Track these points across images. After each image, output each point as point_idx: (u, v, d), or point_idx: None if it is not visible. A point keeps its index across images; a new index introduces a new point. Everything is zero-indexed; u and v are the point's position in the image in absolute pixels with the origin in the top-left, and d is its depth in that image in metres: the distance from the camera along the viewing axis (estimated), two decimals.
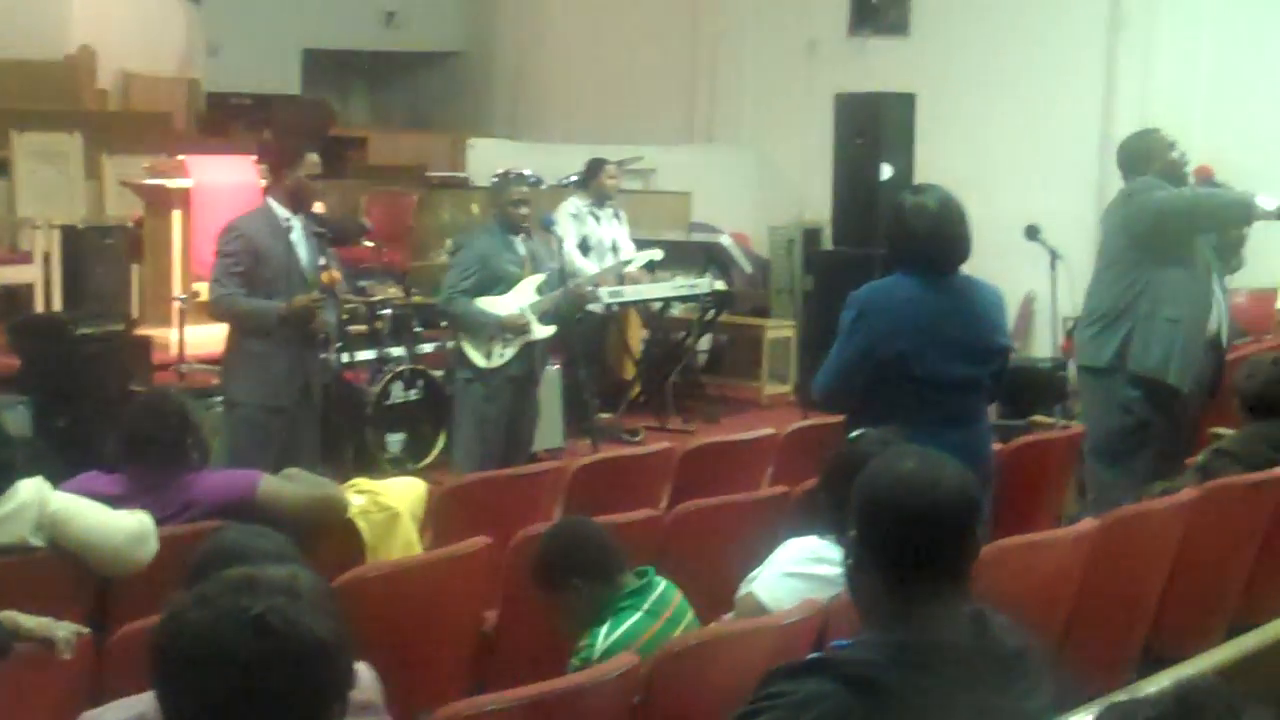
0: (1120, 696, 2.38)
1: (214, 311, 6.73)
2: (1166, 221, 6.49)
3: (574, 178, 12.63)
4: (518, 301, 7.44)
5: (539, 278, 7.54)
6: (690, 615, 3.96)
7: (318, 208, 9.12)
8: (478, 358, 7.40)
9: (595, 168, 10.46)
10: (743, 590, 4.00)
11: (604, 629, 3.80)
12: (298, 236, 6.55)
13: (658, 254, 9.85)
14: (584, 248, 9.95)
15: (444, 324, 8.47)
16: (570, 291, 7.91)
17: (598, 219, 10.26)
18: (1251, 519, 5.10)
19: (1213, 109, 12.43)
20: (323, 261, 6.65)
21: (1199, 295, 6.62)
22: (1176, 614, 4.87)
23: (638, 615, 3.81)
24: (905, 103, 12.09)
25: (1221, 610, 5.06)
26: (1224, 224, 6.69)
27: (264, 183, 7.74)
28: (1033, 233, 7.72)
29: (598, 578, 3.92)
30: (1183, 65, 12.77)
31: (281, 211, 6.54)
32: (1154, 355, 6.45)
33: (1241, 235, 7.54)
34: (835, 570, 3.64)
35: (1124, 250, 6.62)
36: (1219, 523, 4.95)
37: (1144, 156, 6.68)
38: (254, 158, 9.70)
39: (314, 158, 6.63)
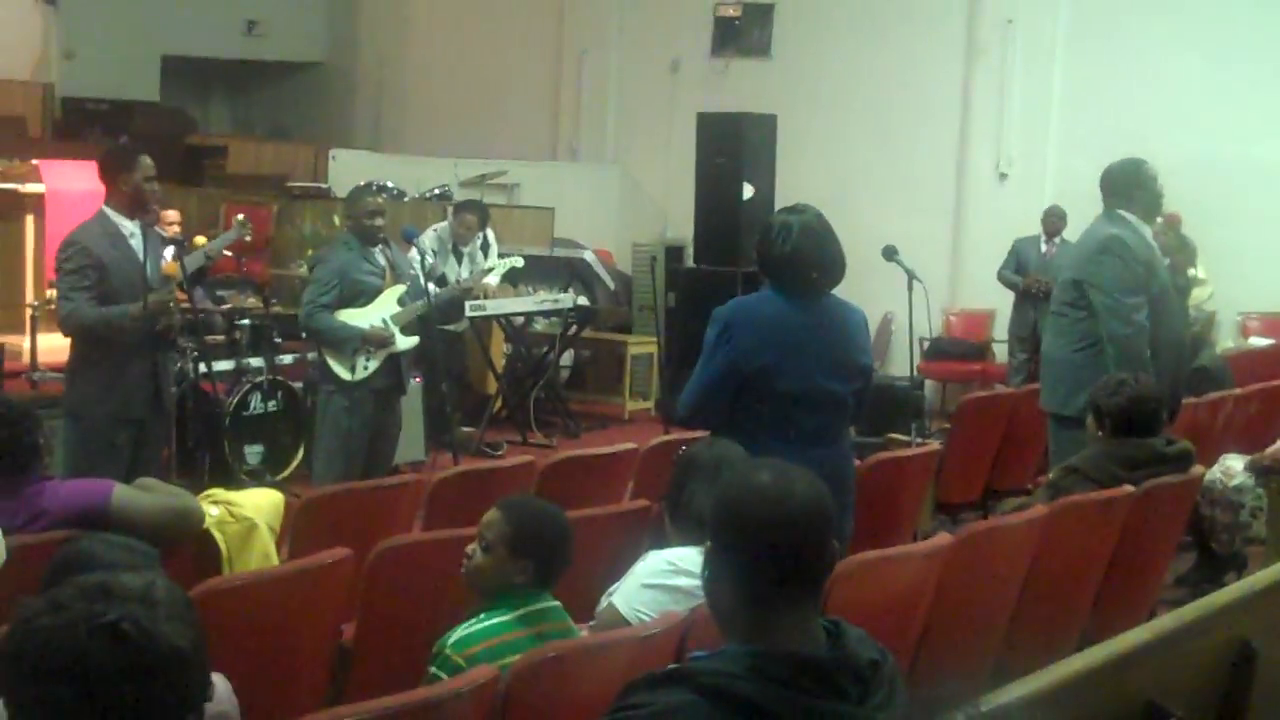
0: (977, 707, 2.43)
1: (65, 328, 6.46)
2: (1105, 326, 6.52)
3: (438, 190, 12.62)
4: (380, 313, 7.40)
5: (400, 288, 7.50)
6: None
7: (172, 216, 8.97)
8: (341, 371, 7.34)
9: (457, 209, 10.54)
10: (603, 603, 4.01)
11: (466, 624, 3.76)
12: (139, 244, 6.38)
13: (519, 261, 9.84)
14: (439, 282, 9.88)
15: (305, 338, 8.39)
16: (449, 291, 7.88)
17: (458, 258, 10.27)
18: (1100, 536, 5.21)
19: (1065, 135, 12.76)
20: (166, 258, 6.54)
21: (1164, 341, 6.61)
22: (1028, 627, 4.96)
23: (505, 617, 3.78)
24: (767, 123, 12.24)
25: (1072, 624, 5.16)
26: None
27: None
28: (890, 253, 7.82)
29: (539, 573, 3.82)
30: (1036, 92, 13.09)
31: (120, 220, 6.38)
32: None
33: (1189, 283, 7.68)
34: (694, 582, 3.66)
35: (1080, 298, 6.62)
36: (1069, 539, 5.05)
37: (1132, 184, 6.63)
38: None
39: (147, 160, 6.44)
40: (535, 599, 3.82)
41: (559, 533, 3.91)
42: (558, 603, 3.89)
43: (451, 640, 3.69)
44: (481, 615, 3.77)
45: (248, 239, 8.89)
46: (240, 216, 8.99)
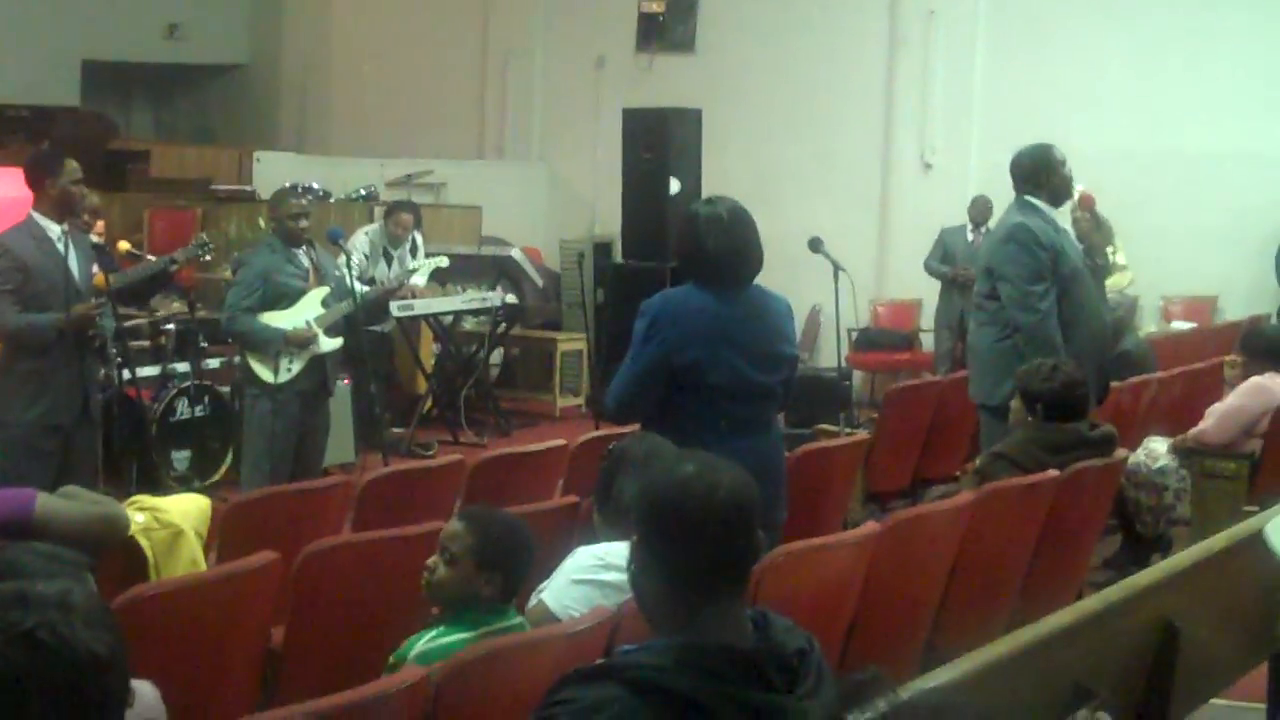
0: (897, 694, 2.44)
1: None
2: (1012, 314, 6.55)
3: (363, 191, 12.56)
4: (303, 315, 7.36)
5: (324, 290, 7.46)
6: None
7: (99, 227, 8.91)
8: (265, 374, 7.29)
9: (391, 209, 10.50)
10: (533, 600, 4.01)
11: (426, 635, 3.74)
12: (66, 247, 6.36)
13: (443, 261, 9.83)
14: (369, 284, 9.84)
15: (229, 341, 8.37)
16: (373, 291, 7.87)
17: (389, 261, 10.23)
18: (1027, 520, 5.27)
19: (987, 124, 12.86)
20: (95, 269, 6.50)
21: (1083, 322, 6.66)
22: (957, 612, 5.00)
23: (468, 634, 3.70)
24: (692, 118, 12.27)
25: (1000, 608, 5.21)
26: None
27: None
28: (816, 245, 7.86)
29: (505, 584, 3.79)
30: (958, 83, 13.19)
31: (47, 224, 6.35)
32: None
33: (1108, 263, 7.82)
34: (623, 577, 3.65)
35: (995, 289, 6.63)
36: (996, 524, 5.09)
37: (1041, 170, 6.64)
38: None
39: (73, 164, 6.41)
40: (500, 615, 3.78)
41: (523, 542, 3.88)
42: (521, 619, 3.86)
43: (412, 653, 3.66)
44: (443, 628, 3.73)
45: (206, 259, 8.97)
46: (202, 235, 9.08)
